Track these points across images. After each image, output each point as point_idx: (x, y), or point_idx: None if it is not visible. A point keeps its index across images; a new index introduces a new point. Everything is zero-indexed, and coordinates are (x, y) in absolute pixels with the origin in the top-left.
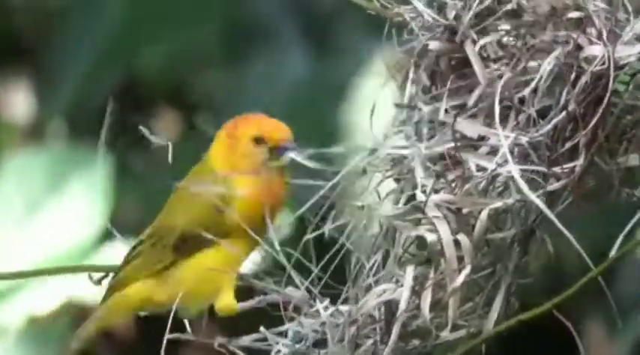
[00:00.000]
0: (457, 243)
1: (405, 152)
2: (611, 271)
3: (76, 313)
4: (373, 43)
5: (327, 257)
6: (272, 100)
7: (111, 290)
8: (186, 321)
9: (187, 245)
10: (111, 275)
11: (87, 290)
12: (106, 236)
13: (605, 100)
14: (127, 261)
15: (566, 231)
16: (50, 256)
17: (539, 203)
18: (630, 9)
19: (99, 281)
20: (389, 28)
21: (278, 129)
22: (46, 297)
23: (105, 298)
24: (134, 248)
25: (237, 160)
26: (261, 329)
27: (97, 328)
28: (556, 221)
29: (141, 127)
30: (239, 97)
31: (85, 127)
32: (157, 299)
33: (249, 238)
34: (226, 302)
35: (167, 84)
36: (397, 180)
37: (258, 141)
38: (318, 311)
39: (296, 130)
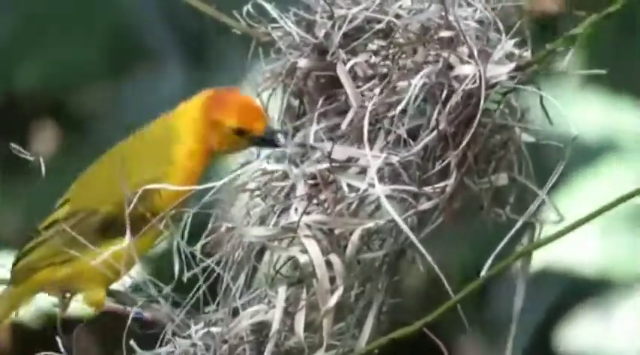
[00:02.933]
0: (329, 263)
1: (279, 168)
2: (488, 288)
3: None
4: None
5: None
6: (152, 115)
7: (18, 276)
8: (58, 338)
9: (110, 231)
10: None
11: None
12: None
13: (476, 120)
14: (35, 245)
15: (426, 253)
16: None
17: (404, 225)
18: (502, 28)
19: None
20: (255, 48)
21: (258, 121)
22: None
23: (15, 279)
24: (40, 232)
25: (215, 144)
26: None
27: (7, 311)
28: (417, 243)
29: (12, 144)
30: (119, 111)
31: None
32: (57, 280)
33: (154, 235)
34: (97, 296)
35: (48, 98)
36: (264, 199)
37: (240, 132)
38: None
39: None
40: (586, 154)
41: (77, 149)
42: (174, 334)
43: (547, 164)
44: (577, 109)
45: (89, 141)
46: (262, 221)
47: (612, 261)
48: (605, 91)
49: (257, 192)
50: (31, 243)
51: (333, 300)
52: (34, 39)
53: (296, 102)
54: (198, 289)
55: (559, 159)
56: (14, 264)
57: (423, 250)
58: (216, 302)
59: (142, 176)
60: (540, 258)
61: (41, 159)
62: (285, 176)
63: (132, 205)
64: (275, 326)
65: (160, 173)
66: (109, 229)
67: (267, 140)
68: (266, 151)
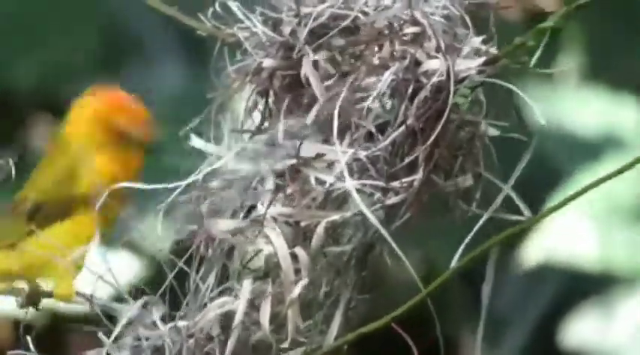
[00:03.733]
0: (294, 256)
1: (246, 165)
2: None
3: None
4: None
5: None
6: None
7: None
8: (29, 338)
9: (41, 215)
10: None
11: None
12: None
13: (445, 114)
14: None
15: (396, 247)
16: None
17: (372, 218)
18: (470, 24)
19: None
20: (220, 49)
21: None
22: None
23: None
24: None
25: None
26: (104, 342)
27: None
28: (388, 236)
29: None
30: None
31: None
32: (14, 270)
33: (99, 217)
34: (66, 287)
35: (44, 95)
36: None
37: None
38: (156, 325)
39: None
40: (587, 151)
41: None
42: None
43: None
44: (577, 106)
45: None
46: (230, 217)
47: (614, 256)
48: (605, 88)
49: (225, 190)
50: None
51: (297, 291)
52: (30, 36)
53: (262, 102)
54: (165, 287)
55: (558, 157)
56: None
57: (392, 242)
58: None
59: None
60: (542, 254)
61: (11, 162)
62: (252, 173)
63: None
64: (238, 317)
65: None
66: (38, 216)
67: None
68: (234, 149)
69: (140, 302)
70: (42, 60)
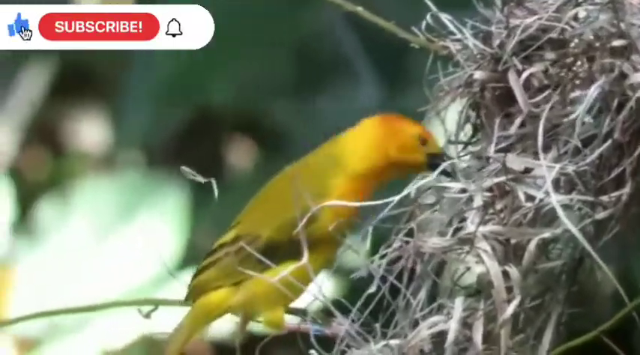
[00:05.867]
0: (506, 273)
1: (456, 184)
2: None
3: (149, 345)
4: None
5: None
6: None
7: (192, 294)
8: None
9: (274, 252)
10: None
11: (159, 322)
12: (180, 266)
13: None
14: (207, 264)
15: (602, 263)
16: (121, 287)
17: (579, 235)
18: None
19: (148, 315)
20: (433, 61)
21: (438, 142)
22: (119, 330)
23: (189, 297)
24: (214, 251)
25: (397, 151)
26: None
27: (186, 338)
28: (593, 252)
29: (183, 168)
30: (310, 127)
31: (159, 157)
32: (232, 305)
33: (326, 254)
34: (277, 317)
35: (241, 112)
36: (441, 213)
37: (423, 141)
38: (368, 343)
39: None
40: None
41: (271, 163)
42: (348, 346)
43: None
44: None
45: (284, 154)
46: (440, 234)
47: None
48: None
49: (434, 207)
50: (204, 263)
51: (510, 310)
52: (227, 53)
53: (473, 115)
54: (376, 303)
55: None
56: (191, 280)
57: (599, 259)
58: (395, 317)
59: (304, 202)
60: None
61: (214, 182)
62: (461, 189)
63: (301, 225)
64: (451, 337)
65: (320, 199)
66: (271, 254)
67: (440, 159)
68: (441, 166)
69: (350, 320)
70: (240, 76)
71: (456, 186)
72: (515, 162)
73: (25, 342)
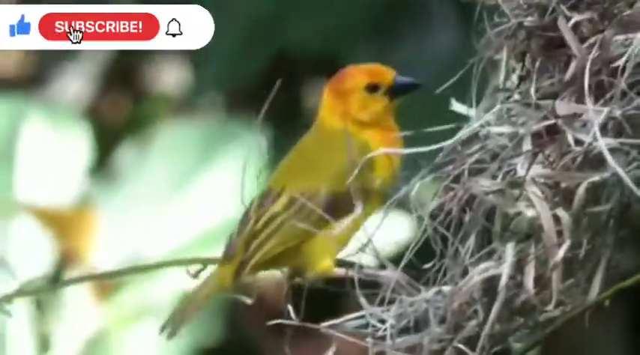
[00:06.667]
0: (556, 217)
1: (503, 129)
2: None
3: None
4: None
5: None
6: (424, 73)
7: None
8: (289, 306)
9: (334, 208)
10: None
11: None
12: None
13: None
14: (261, 242)
15: None
16: (198, 232)
17: (626, 178)
18: None
19: (196, 275)
20: (480, 12)
21: (385, 70)
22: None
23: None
24: (266, 224)
25: (356, 113)
26: (365, 309)
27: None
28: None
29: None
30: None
31: (238, 101)
32: (283, 261)
33: (377, 205)
34: (327, 264)
35: (320, 57)
36: (490, 159)
37: (373, 88)
38: (419, 290)
39: (443, 107)
40: None
41: None
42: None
43: None
44: None
45: None
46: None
47: None
48: None
49: (482, 153)
50: (257, 241)
51: (560, 254)
52: None
53: (519, 64)
54: (426, 252)
55: None
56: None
57: None
58: (444, 263)
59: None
60: None
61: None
62: (510, 134)
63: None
64: (503, 281)
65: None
66: (331, 209)
67: (401, 85)
68: (489, 113)
69: (401, 268)
70: (321, 22)
71: (504, 130)
72: (563, 107)
73: (104, 286)
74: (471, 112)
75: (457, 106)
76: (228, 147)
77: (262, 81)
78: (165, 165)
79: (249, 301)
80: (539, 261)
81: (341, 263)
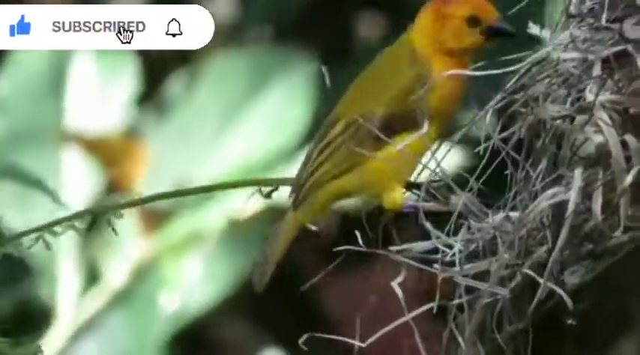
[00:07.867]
0: (625, 143)
1: (573, 55)
2: None
3: (275, 216)
4: None
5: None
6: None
7: (307, 193)
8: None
9: (389, 130)
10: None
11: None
12: (307, 140)
13: None
14: (318, 165)
15: None
16: (248, 162)
17: None
18: None
19: (269, 195)
20: None
21: (491, 9)
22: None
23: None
24: (324, 148)
25: (447, 40)
26: (433, 236)
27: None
28: None
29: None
30: None
31: (287, 30)
32: (350, 190)
33: (438, 127)
34: (396, 196)
35: None
36: (560, 85)
37: (472, 21)
38: (487, 216)
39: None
40: None
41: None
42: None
43: None
44: None
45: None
46: (557, 104)
47: None
48: None
49: (552, 78)
50: (314, 164)
51: (629, 179)
52: None
53: None
54: (495, 176)
55: None
56: (296, 192)
57: None
58: (513, 189)
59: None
60: None
61: (324, 69)
62: (579, 59)
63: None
64: (571, 207)
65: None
66: (387, 130)
67: (500, 28)
68: (559, 38)
69: (470, 193)
70: None
71: (574, 56)
72: (633, 30)
73: (152, 215)
74: (545, 34)
75: (532, 28)
76: (276, 77)
77: (311, 10)
78: (214, 96)
79: (314, 228)
80: (607, 186)
81: (409, 184)
